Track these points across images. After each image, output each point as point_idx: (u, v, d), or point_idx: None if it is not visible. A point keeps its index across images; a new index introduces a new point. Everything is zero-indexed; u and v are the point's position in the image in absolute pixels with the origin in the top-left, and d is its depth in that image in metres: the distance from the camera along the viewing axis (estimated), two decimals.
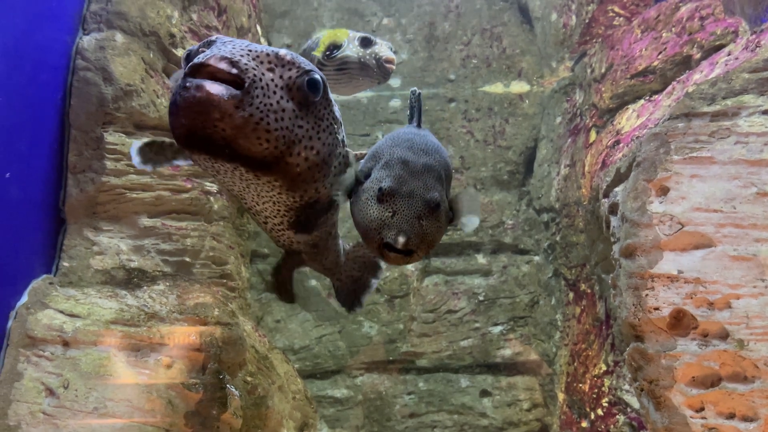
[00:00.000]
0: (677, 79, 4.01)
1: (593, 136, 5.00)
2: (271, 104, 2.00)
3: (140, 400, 3.10)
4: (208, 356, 3.30)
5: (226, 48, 1.99)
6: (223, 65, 1.90)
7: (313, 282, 5.77)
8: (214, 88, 1.85)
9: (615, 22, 5.14)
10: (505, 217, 6.03)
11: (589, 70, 5.28)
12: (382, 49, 3.86)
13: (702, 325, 2.62)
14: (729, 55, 3.55)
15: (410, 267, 5.83)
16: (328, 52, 3.81)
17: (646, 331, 2.69)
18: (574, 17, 5.50)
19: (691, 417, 2.53)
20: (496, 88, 6.22)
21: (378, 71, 3.86)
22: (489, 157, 6.10)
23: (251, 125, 1.94)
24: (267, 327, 5.69)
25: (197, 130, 1.92)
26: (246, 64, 1.95)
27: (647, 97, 4.33)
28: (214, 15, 4.27)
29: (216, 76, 1.89)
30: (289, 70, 2.09)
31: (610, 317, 4.64)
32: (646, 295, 2.71)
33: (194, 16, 4.07)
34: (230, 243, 4.17)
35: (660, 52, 4.19)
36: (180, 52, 3.88)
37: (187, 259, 3.82)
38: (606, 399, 4.46)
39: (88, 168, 3.54)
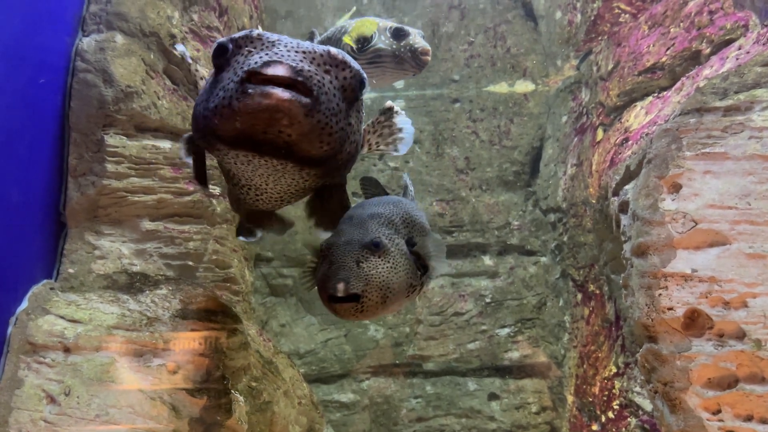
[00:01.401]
0: (686, 74, 3.94)
1: (600, 134, 4.94)
2: (332, 108, 1.98)
3: (143, 407, 3.04)
4: (212, 361, 3.25)
5: (280, 50, 1.95)
6: (290, 73, 1.84)
7: None
8: (285, 95, 1.80)
9: (621, 19, 5.08)
10: (511, 218, 5.96)
11: (595, 68, 5.22)
12: (416, 39, 3.75)
13: (717, 325, 2.55)
14: (740, 49, 3.48)
15: None
16: (359, 45, 3.72)
17: (659, 332, 2.63)
18: (579, 15, 5.44)
19: (707, 419, 2.47)
20: (501, 87, 6.16)
21: (413, 63, 3.76)
22: (494, 157, 6.04)
23: (317, 131, 1.92)
24: (272, 331, 5.63)
25: (256, 134, 1.88)
26: (310, 70, 1.92)
27: (656, 94, 4.27)
28: (215, 15, 4.22)
29: (280, 82, 1.84)
30: (343, 70, 2.08)
31: (620, 318, 4.57)
32: (660, 294, 2.65)
33: (195, 17, 4.02)
34: (234, 246, 4.12)
35: (668, 48, 4.12)
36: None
37: (190, 263, 3.77)
38: (617, 401, 4.39)
39: (88, 171, 3.49)
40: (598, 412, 4.64)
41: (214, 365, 3.25)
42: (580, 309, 5.37)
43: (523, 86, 6.15)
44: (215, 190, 3.97)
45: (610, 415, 4.44)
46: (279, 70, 1.84)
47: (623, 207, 3.21)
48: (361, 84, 2.13)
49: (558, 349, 5.62)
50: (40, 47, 3.31)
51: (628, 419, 4.21)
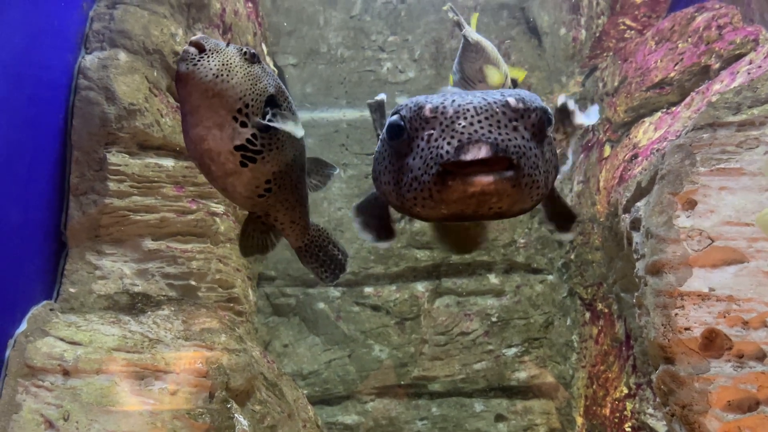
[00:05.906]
0: (696, 89, 3.90)
1: (608, 150, 4.89)
2: (533, 162, 1.83)
3: (144, 431, 2.96)
4: (215, 384, 3.17)
5: (464, 126, 1.79)
6: (486, 153, 1.71)
7: (321, 305, 5.64)
8: (489, 179, 1.70)
9: (626, 35, 5.05)
10: (516, 236, 5.89)
11: (601, 84, 5.18)
12: None
13: (737, 346, 2.48)
14: (751, 63, 3.44)
15: (420, 288, 5.70)
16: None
17: (676, 353, 2.55)
18: (583, 31, 5.41)
19: None
20: None
21: None
22: None
23: (527, 192, 1.82)
24: (275, 352, 5.54)
25: (465, 214, 1.85)
26: (503, 139, 1.76)
27: (664, 110, 4.23)
28: (218, 33, 4.19)
29: (480, 165, 1.71)
30: (529, 117, 1.89)
31: (630, 337, 4.48)
32: (676, 314, 2.58)
33: (198, 34, 3.99)
34: (237, 266, 4.05)
35: (677, 63, 4.09)
36: None
37: (193, 283, 3.70)
38: (629, 424, 4.29)
39: (90, 190, 3.44)
40: None
41: (217, 388, 3.18)
42: (588, 328, 5.28)
43: None
44: (218, 208, 3.90)
45: None
46: (474, 155, 1.70)
47: (635, 224, 3.15)
48: (547, 118, 1.95)
49: (566, 369, 5.53)
50: (42, 64, 3.28)
51: None
